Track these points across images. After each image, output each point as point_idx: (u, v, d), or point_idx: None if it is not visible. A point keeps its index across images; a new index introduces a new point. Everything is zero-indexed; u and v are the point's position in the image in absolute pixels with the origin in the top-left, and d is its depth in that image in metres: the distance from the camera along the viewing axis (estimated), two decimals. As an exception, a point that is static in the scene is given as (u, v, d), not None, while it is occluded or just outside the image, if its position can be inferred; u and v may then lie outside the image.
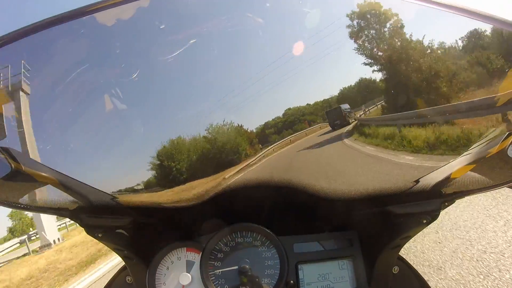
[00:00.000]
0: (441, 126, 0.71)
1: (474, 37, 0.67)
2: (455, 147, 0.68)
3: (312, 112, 0.80)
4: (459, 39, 0.67)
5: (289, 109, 0.77)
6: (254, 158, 0.79)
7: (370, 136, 0.84)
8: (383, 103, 0.79)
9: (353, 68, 0.75)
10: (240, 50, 0.74)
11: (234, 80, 0.73)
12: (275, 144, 0.79)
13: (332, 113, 0.79)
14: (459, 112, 0.68)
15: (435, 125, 0.72)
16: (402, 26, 0.71)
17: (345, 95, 0.77)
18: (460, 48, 0.69)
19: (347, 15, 0.69)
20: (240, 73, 0.74)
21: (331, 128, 0.82)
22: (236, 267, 0.86)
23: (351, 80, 0.74)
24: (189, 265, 0.91)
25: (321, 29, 0.69)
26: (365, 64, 0.73)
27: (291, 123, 0.79)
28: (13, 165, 0.58)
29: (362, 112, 0.83)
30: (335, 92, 0.76)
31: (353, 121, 0.83)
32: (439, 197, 0.73)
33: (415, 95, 0.76)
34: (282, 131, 0.80)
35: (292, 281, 0.86)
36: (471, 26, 0.67)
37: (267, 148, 0.80)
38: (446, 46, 0.70)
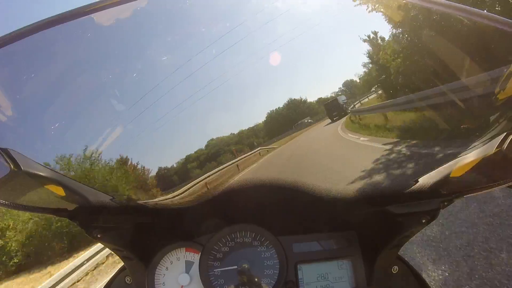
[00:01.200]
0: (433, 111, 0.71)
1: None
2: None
3: (238, 141, 0.75)
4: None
5: (212, 139, 0.72)
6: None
7: (363, 127, 0.84)
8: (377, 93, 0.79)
9: (279, 92, 0.72)
10: (149, 72, 0.69)
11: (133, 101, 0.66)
12: (184, 190, 0.73)
13: (330, 106, 0.80)
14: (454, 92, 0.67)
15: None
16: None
17: (274, 118, 0.74)
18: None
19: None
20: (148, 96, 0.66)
21: (330, 120, 0.84)
22: (235, 267, 0.86)
23: (278, 102, 0.72)
24: (188, 266, 0.91)
25: (244, 55, 0.66)
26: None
27: (214, 154, 0.74)
28: (12, 166, 0.58)
29: (357, 102, 0.83)
30: (261, 118, 0.73)
31: (349, 112, 0.85)
32: (438, 196, 0.73)
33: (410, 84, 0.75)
34: (205, 165, 0.74)
35: (291, 281, 0.86)
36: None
37: (170, 196, 0.72)
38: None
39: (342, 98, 0.79)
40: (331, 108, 0.81)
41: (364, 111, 0.87)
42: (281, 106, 0.72)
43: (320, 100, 0.77)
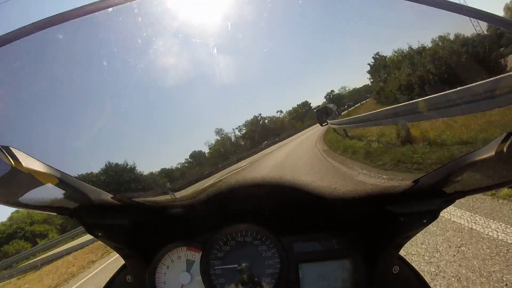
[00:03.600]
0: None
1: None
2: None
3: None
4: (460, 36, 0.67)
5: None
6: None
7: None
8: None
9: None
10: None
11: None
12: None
13: (320, 112, 0.87)
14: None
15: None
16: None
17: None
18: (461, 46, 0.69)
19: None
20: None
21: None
22: (236, 266, 0.86)
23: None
24: (189, 264, 0.91)
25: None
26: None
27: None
28: (13, 164, 0.58)
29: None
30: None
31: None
32: (439, 196, 0.73)
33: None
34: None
35: (292, 281, 0.86)
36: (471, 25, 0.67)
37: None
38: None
39: (331, 106, 0.84)
40: (320, 114, 0.88)
41: (343, 124, 0.92)
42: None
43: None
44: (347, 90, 0.96)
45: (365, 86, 0.90)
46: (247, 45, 0.69)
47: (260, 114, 1.00)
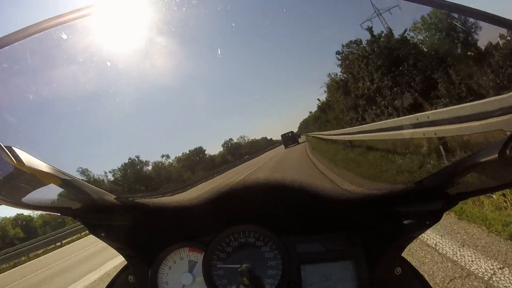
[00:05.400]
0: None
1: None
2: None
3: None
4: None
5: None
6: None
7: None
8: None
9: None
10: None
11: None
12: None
13: (286, 137, 1.04)
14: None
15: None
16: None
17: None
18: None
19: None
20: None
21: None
22: (238, 267, 0.86)
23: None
24: (191, 265, 0.91)
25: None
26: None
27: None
28: (16, 164, 0.58)
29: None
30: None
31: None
32: (442, 198, 0.73)
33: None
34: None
35: (294, 281, 0.86)
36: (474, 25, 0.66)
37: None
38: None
39: (295, 131, 1.01)
40: (286, 138, 1.05)
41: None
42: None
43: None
44: (246, 140, 0.99)
45: (263, 138, 0.99)
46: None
47: (138, 157, 0.79)
